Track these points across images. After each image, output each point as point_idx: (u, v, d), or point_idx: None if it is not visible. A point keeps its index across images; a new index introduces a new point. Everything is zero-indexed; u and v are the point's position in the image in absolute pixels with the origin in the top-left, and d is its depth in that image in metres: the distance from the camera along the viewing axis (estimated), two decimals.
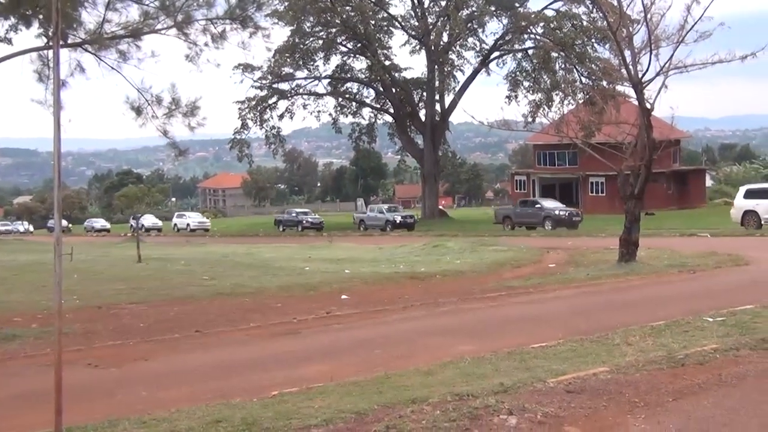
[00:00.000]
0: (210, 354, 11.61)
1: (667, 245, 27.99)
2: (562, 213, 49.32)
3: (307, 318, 14.97)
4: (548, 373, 8.52)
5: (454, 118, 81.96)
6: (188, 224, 73.79)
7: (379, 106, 69.36)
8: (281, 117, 65.37)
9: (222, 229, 75.65)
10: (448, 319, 14.38)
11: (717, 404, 7.46)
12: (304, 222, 64.20)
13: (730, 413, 7.19)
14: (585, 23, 55.92)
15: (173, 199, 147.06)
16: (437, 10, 64.07)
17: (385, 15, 65.04)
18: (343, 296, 18.20)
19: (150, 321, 15.01)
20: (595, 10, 49.45)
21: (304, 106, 66.59)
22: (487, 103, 48.75)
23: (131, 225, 73.80)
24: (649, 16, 21.35)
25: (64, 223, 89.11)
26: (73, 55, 15.52)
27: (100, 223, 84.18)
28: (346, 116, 69.90)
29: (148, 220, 76.01)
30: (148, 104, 16.02)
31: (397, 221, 57.62)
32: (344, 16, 59.93)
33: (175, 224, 75.73)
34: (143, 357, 11.43)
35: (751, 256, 22.83)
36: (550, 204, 51.66)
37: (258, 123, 64.32)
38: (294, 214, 67.63)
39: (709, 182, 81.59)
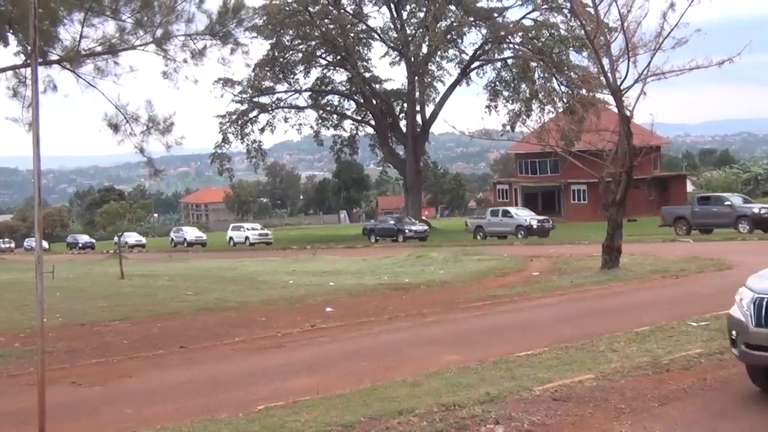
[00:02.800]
0: (195, 369, 11.55)
1: (649, 251, 28.11)
2: (763, 211, 38.22)
3: (291, 331, 14.92)
4: (534, 381, 8.53)
5: (436, 129, 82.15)
6: (247, 237, 63.71)
7: (360, 117, 69.43)
8: (262, 130, 65.34)
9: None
10: (433, 329, 14.37)
11: (703, 409, 7.49)
12: (407, 231, 53.79)
13: (716, 417, 7.22)
14: (563, 32, 56.24)
15: (156, 215, 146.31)
16: (416, 21, 64.27)
17: (364, 27, 65.22)
18: (328, 309, 18.15)
19: (134, 338, 14.92)
20: (572, 19, 49.78)
21: (285, 119, 66.58)
22: (467, 113, 48.79)
23: (171, 239, 72.30)
24: (625, 24, 21.52)
25: (87, 239, 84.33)
26: (48, 71, 15.48)
27: (134, 237, 75.73)
28: (328, 128, 69.98)
29: (191, 233, 72.15)
30: (126, 121, 15.96)
31: (534, 226, 47.53)
32: (323, 29, 59.99)
33: (231, 237, 66.18)
34: (127, 374, 11.35)
35: (733, 260, 22.97)
36: (740, 200, 40.79)
37: (239, 137, 64.19)
38: (392, 222, 57.60)
39: (690, 187, 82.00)
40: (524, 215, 50.07)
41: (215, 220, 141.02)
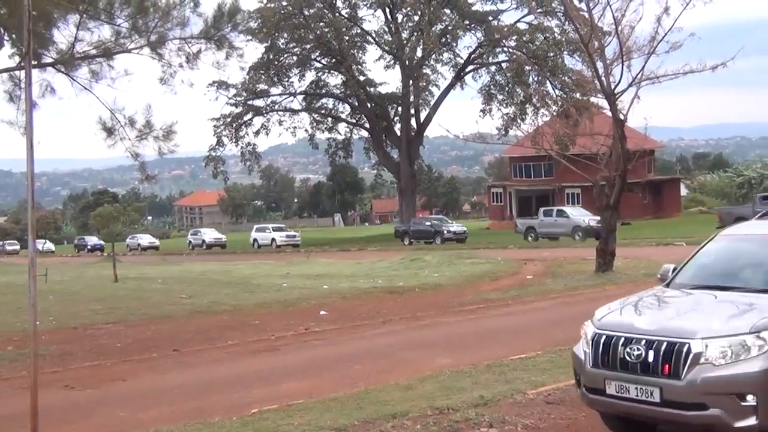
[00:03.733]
0: (188, 373, 11.54)
1: (643, 254, 28.16)
2: None
3: (285, 334, 14.92)
4: (528, 384, 8.54)
5: (430, 132, 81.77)
6: (273, 239, 60.89)
7: (354, 121, 69.40)
8: (257, 133, 65.22)
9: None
10: (426, 332, 14.38)
11: None
12: (445, 233, 50.79)
13: None
14: (557, 36, 56.31)
15: (149, 218, 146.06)
16: (411, 25, 64.28)
17: (359, 30, 65.19)
18: (322, 312, 18.16)
19: (127, 341, 14.90)
20: (567, 22, 49.83)
21: (280, 123, 66.46)
22: (462, 117, 48.64)
23: (189, 241, 71.56)
24: (620, 28, 21.54)
25: (96, 240, 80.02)
26: (45, 75, 15.43)
27: (148, 239, 75.85)
28: (322, 132, 69.88)
29: (210, 234, 71.35)
30: (121, 125, 15.89)
31: (593, 228, 40.60)
32: (318, 32, 60.00)
33: (255, 239, 63.61)
34: (121, 377, 11.34)
35: None
36: None
37: (233, 140, 64.08)
38: (429, 224, 54.10)
39: (683, 191, 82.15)
40: (580, 215, 46.40)
41: (209, 223, 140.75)
